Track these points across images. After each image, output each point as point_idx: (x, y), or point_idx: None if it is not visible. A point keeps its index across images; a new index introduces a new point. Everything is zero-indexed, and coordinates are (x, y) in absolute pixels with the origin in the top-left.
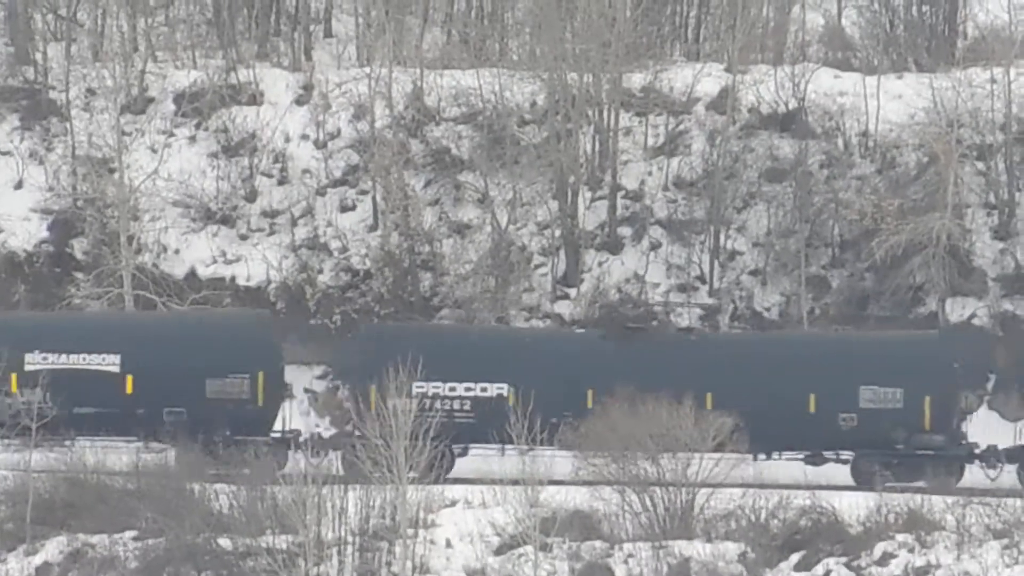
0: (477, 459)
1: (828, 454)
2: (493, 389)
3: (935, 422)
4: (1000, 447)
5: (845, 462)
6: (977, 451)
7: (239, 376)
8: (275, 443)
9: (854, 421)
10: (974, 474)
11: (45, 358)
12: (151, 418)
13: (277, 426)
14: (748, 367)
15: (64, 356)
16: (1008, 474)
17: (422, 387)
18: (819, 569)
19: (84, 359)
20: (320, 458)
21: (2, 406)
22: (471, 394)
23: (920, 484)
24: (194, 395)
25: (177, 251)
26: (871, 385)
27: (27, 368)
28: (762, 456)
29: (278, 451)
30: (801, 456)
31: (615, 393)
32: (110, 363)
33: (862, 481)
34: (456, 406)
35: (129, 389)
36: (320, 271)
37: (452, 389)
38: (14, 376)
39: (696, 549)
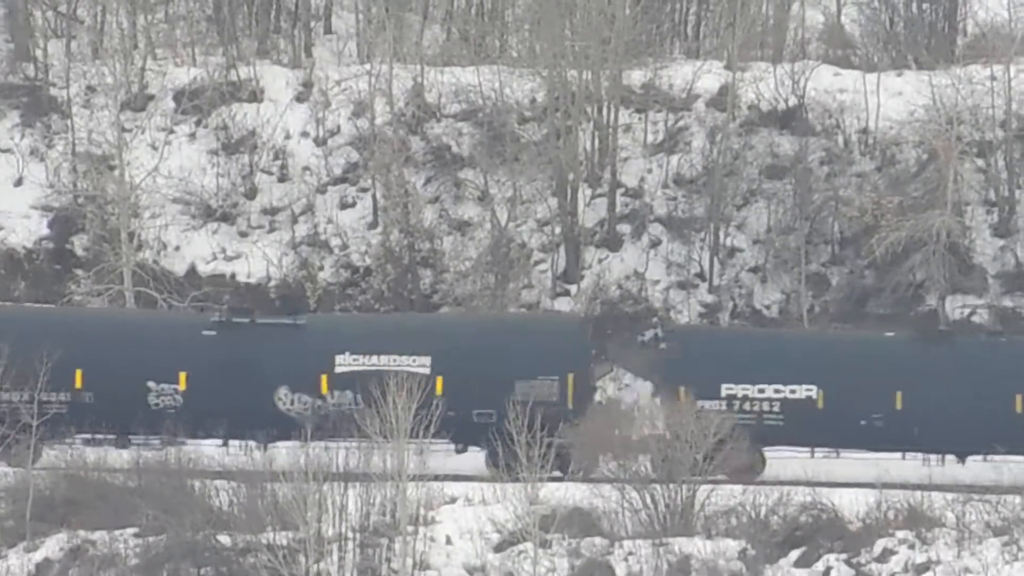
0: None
1: None
2: (802, 391)
3: None
4: None
5: None
6: None
7: (549, 378)
8: None
9: None
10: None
11: (356, 359)
12: (461, 420)
13: None
14: None
15: (375, 357)
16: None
17: (731, 389)
18: (819, 566)
19: (395, 360)
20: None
21: (312, 408)
22: (780, 396)
23: None
24: (503, 397)
25: (177, 248)
26: None
27: (338, 370)
28: None
29: None
30: None
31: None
32: (420, 365)
33: None
34: (764, 407)
35: (439, 390)
36: (320, 268)
37: (761, 391)
38: (324, 377)
39: (696, 546)
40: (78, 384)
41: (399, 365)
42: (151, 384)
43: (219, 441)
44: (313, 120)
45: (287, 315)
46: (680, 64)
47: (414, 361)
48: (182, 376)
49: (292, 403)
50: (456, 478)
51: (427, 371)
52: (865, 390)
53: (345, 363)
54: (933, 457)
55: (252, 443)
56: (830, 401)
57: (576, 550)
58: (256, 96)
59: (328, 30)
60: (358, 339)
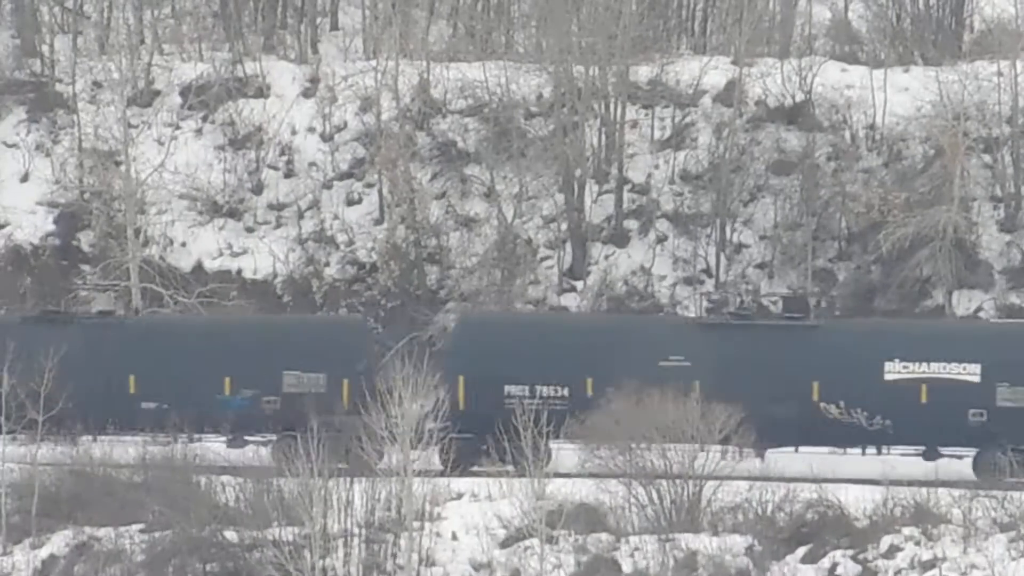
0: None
1: None
2: None
3: None
4: None
5: None
6: None
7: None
8: None
9: None
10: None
11: (906, 367)
12: None
13: None
14: None
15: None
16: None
17: None
18: (826, 562)
19: (944, 368)
20: None
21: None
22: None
23: None
24: None
25: (184, 244)
26: None
27: (887, 378)
28: None
29: None
30: None
31: None
32: (971, 372)
33: None
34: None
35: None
36: (327, 264)
37: None
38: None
39: (703, 542)
40: None
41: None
42: None
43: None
44: (319, 116)
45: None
46: (687, 60)
47: (964, 369)
48: None
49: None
50: (463, 473)
51: (977, 379)
52: None
53: (894, 370)
54: None
55: None
56: None
57: (582, 546)
58: (262, 92)
59: (334, 26)
60: (910, 345)
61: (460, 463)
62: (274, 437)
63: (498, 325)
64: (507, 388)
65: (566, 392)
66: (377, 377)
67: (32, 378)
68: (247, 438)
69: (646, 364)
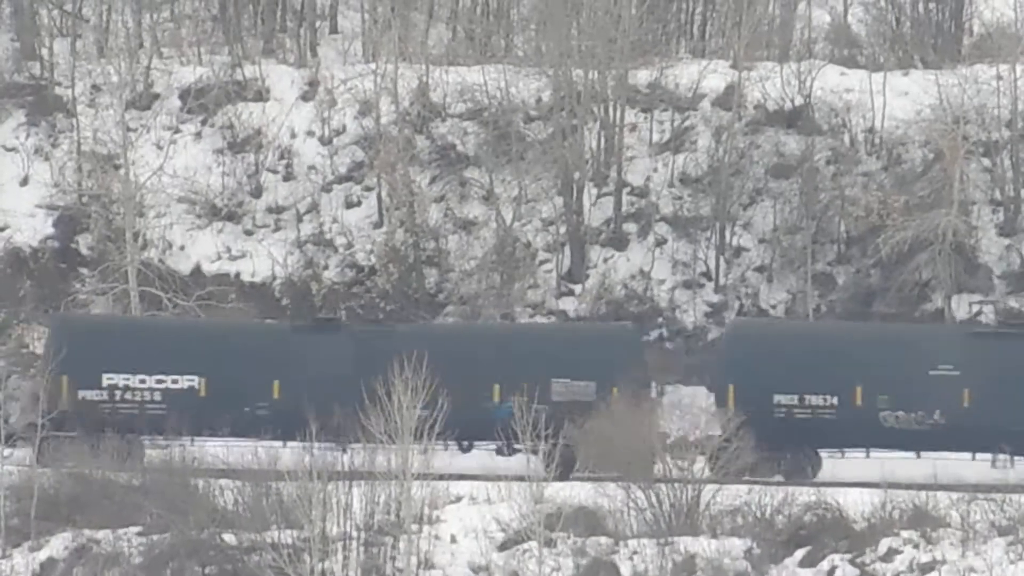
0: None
1: None
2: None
3: None
4: None
5: None
6: None
7: None
8: None
9: None
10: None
11: None
12: None
13: None
14: None
15: None
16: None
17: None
18: (824, 565)
19: None
20: None
21: None
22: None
23: None
24: None
25: (182, 247)
26: None
27: None
28: None
29: None
30: None
31: None
32: None
33: None
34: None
35: None
36: (325, 267)
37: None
38: None
39: (701, 545)
40: None
41: None
42: None
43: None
44: (318, 119)
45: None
46: (686, 63)
47: None
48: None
49: None
50: (461, 477)
51: None
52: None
53: None
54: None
55: None
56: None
57: (581, 549)
58: (261, 95)
59: (334, 29)
60: None
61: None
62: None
63: (768, 333)
64: (776, 397)
65: (835, 401)
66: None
67: (305, 387)
68: (516, 447)
69: (915, 373)
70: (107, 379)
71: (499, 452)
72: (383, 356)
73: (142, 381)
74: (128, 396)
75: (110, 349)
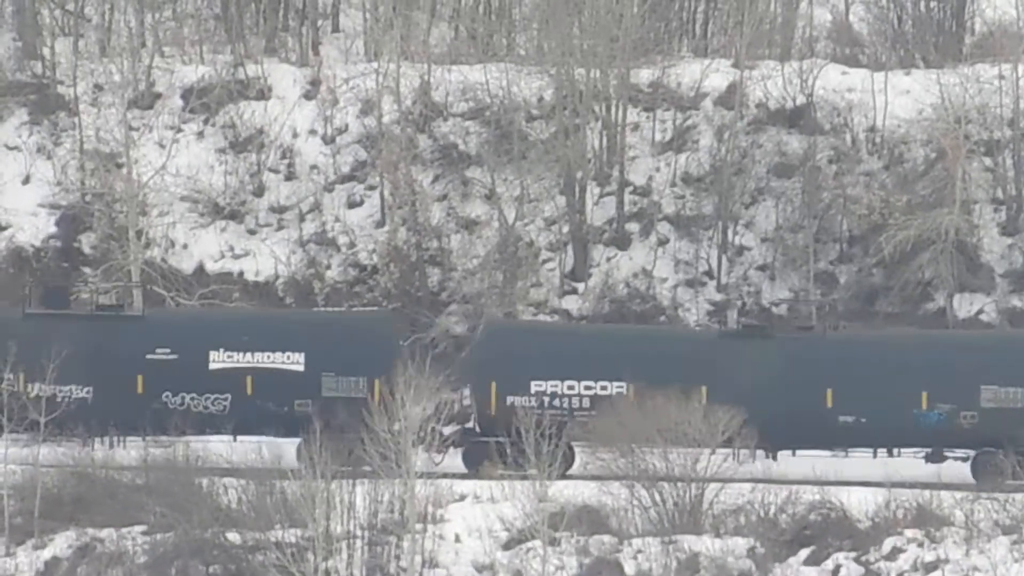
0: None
1: None
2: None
3: None
4: None
5: None
6: None
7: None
8: None
9: None
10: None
11: None
12: None
13: None
14: None
15: None
16: None
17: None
18: (828, 564)
19: None
20: None
21: None
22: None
23: None
24: None
25: (185, 246)
26: None
27: None
28: None
29: None
30: None
31: None
32: None
33: None
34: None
35: None
36: (328, 266)
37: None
38: None
39: (705, 544)
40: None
41: None
42: None
43: None
44: (321, 118)
45: None
46: (688, 62)
47: None
48: None
49: None
50: (465, 476)
51: None
52: None
53: None
54: None
55: None
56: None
57: (585, 548)
58: (264, 94)
59: (336, 28)
60: None
61: None
62: (972, 452)
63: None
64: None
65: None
66: None
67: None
68: (945, 453)
69: None
70: (535, 386)
71: (928, 459)
72: (812, 364)
73: (571, 388)
74: (556, 403)
75: (539, 356)
